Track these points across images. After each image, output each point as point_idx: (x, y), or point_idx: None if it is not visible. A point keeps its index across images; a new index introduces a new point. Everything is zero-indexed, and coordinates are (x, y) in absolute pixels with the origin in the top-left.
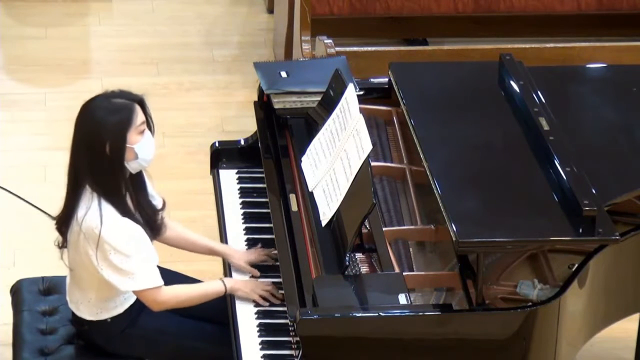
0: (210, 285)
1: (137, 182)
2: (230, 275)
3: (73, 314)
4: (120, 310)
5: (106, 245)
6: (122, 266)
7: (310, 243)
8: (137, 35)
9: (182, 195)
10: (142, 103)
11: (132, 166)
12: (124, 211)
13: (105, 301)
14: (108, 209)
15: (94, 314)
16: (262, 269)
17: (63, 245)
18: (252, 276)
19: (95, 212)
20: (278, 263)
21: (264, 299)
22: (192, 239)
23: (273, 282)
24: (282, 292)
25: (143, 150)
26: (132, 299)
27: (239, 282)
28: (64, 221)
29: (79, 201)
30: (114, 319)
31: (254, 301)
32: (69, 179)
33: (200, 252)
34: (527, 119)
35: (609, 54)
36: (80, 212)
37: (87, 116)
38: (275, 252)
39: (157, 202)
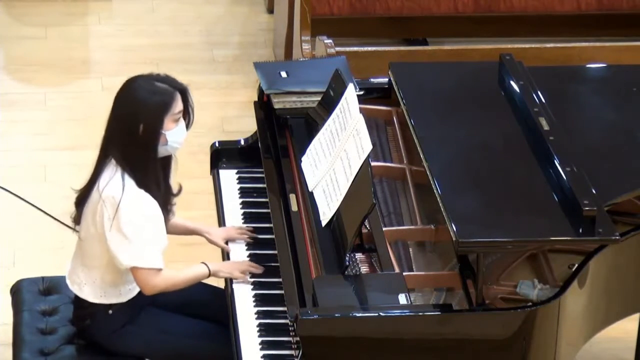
0: (196, 269)
1: (165, 164)
2: (228, 254)
3: (75, 302)
4: (123, 299)
5: (122, 214)
6: (131, 237)
7: (310, 243)
8: (137, 35)
9: (182, 195)
10: (184, 92)
11: (160, 150)
12: (145, 186)
13: (110, 286)
14: (130, 181)
15: (97, 296)
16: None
17: (77, 220)
18: (249, 249)
19: (117, 181)
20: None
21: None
22: (171, 222)
23: (273, 282)
24: (282, 292)
25: (173, 137)
26: (136, 291)
27: (221, 264)
28: (85, 194)
29: (102, 172)
30: (115, 311)
31: (252, 295)
32: (99, 152)
33: (179, 233)
34: (527, 119)
35: (609, 54)
36: (103, 181)
37: (127, 94)
38: (253, 231)
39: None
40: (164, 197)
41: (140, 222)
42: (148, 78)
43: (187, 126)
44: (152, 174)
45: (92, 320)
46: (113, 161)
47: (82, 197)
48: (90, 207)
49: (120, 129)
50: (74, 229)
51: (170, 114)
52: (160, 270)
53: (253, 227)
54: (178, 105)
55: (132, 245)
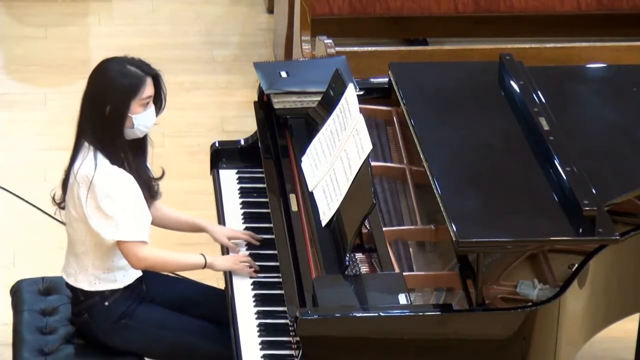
0: (191, 257)
1: (138, 146)
2: (228, 251)
3: (72, 298)
4: (119, 285)
5: (97, 191)
6: (110, 212)
7: (310, 243)
8: (137, 35)
9: (182, 195)
10: (156, 78)
11: (127, 133)
12: (118, 164)
13: (103, 272)
14: (103, 159)
15: (92, 284)
16: (263, 269)
17: (61, 203)
18: (249, 249)
19: (90, 161)
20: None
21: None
22: (175, 217)
23: (273, 282)
24: (282, 292)
25: (140, 121)
26: (132, 278)
27: (219, 258)
28: (66, 176)
29: (77, 156)
30: (111, 302)
31: (252, 295)
32: (76, 133)
33: (184, 229)
34: (527, 119)
35: (609, 54)
36: (77, 164)
37: (99, 74)
38: (260, 238)
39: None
40: (140, 178)
41: (116, 196)
42: (121, 60)
43: (158, 112)
44: (121, 154)
45: (90, 314)
46: (86, 144)
47: (64, 180)
48: (69, 190)
49: (90, 108)
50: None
51: (138, 99)
52: (144, 242)
53: (253, 227)
54: (147, 91)
55: (112, 220)
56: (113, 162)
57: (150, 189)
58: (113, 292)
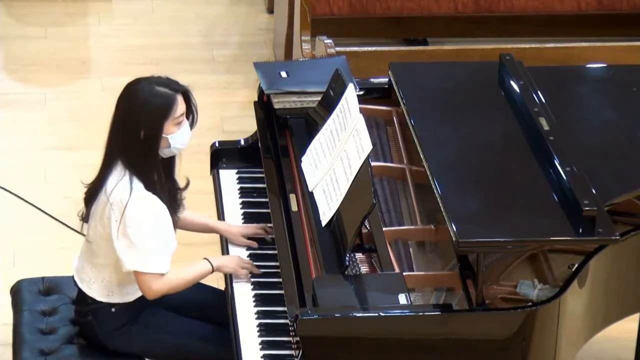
0: (199, 268)
1: (168, 163)
2: (228, 251)
3: (78, 297)
4: (130, 298)
5: (128, 217)
6: (135, 240)
7: (310, 243)
8: (137, 35)
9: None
10: (186, 94)
11: (164, 152)
12: (152, 189)
13: (118, 285)
14: (138, 183)
15: (105, 295)
16: (263, 268)
17: (85, 218)
18: (249, 249)
19: (125, 184)
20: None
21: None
22: (189, 218)
23: (273, 282)
24: (282, 292)
25: (177, 140)
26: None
27: (224, 259)
28: (92, 193)
29: (110, 174)
30: (118, 309)
31: (252, 295)
32: (104, 153)
33: (198, 230)
34: (527, 119)
35: (609, 54)
36: (110, 184)
37: (128, 98)
38: (271, 225)
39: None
40: (170, 195)
41: (146, 227)
42: (149, 81)
43: (191, 126)
44: (156, 176)
45: (94, 317)
46: (120, 164)
47: (90, 196)
48: (99, 208)
49: (122, 133)
50: (74, 229)
51: (171, 119)
52: (162, 275)
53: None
54: (179, 109)
55: (137, 250)
56: (147, 186)
57: (176, 207)
58: (122, 302)
